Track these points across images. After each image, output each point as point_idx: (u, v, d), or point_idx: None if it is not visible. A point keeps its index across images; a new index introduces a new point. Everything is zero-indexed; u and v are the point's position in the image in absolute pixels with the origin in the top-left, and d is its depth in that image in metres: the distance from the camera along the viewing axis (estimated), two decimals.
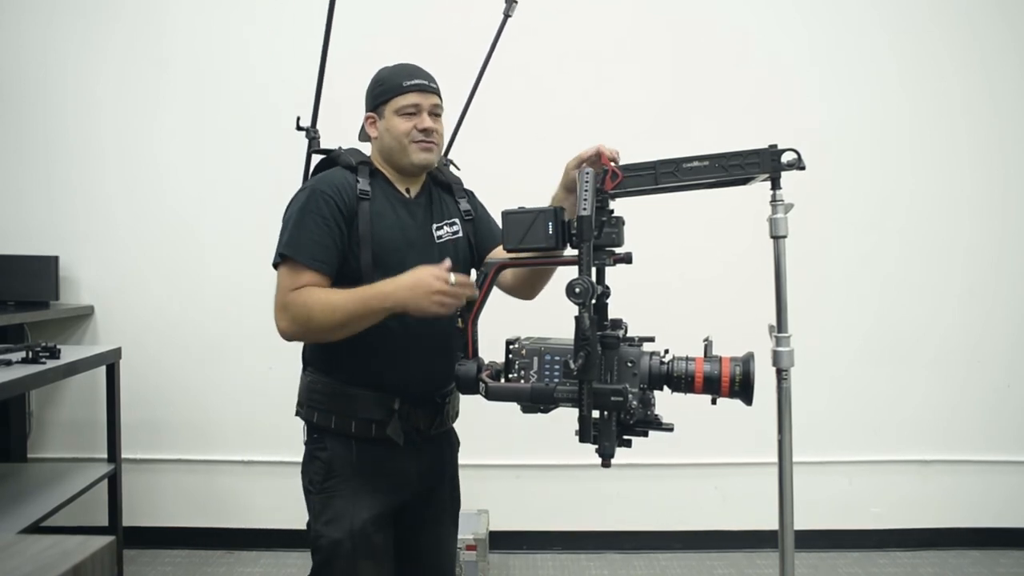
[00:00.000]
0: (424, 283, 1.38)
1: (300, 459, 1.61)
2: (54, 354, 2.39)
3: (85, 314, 3.10)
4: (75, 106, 3.08)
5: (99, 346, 2.87)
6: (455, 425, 1.72)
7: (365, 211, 1.50)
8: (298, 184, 1.67)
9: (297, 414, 1.63)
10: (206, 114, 3.07)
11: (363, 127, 1.65)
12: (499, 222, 1.36)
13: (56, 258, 3.02)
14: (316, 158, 1.70)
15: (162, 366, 3.09)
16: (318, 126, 1.85)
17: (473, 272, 1.69)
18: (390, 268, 1.47)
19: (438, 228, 1.63)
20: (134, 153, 3.09)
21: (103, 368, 2.69)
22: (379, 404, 1.52)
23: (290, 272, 1.45)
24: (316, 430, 1.56)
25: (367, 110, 1.63)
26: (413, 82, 1.56)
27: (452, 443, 1.72)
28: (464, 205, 1.71)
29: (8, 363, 2.26)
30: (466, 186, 1.77)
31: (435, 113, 1.59)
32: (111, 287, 3.11)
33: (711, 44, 3.08)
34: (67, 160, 3.08)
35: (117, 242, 3.10)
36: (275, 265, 1.50)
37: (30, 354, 2.33)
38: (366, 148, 1.67)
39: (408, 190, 1.63)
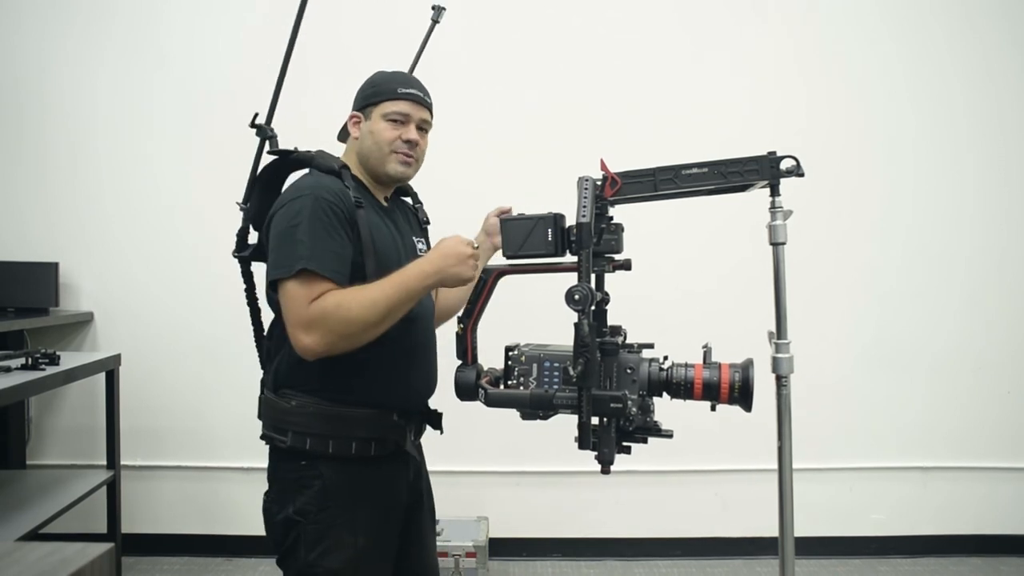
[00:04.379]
0: (456, 250, 1.37)
1: None
2: (53, 360, 2.38)
3: (85, 321, 3.09)
4: (74, 112, 3.08)
5: (98, 353, 2.87)
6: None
7: (363, 219, 1.42)
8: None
9: (272, 441, 1.48)
10: (203, 121, 3.07)
11: (345, 126, 1.60)
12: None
13: (56, 265, 3.02)
14: (267, 159, 1.60)
15: (161, 373, 3.09)
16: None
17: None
18: None
19: (418, 242, 1.63)
20: (133, 160, 3.09)
21: (102, 375, 2.69)
22: (378, 421, 1.47)
23: (304, 284, 1.33)
24: (306, 456, 1.43)
25: (354, 109, 1.57)
26: (408, 91, 1.53)
27: (422, 451, 1.67)
28: (421, 214, 1.72)
29: (8, 369, 2.26)
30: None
31: (422, 128, 1.55)
32: (111, 294, 3.11)
33: (711, 48, 3.09)
34: (67, 167, 3.09)
35: (117, 249, 3.10)
36: (276, 281, 1.38)
37: (30, 360, 2.32)
38: (337, 150, 1.60)
39: (385, 199, 1.60)
